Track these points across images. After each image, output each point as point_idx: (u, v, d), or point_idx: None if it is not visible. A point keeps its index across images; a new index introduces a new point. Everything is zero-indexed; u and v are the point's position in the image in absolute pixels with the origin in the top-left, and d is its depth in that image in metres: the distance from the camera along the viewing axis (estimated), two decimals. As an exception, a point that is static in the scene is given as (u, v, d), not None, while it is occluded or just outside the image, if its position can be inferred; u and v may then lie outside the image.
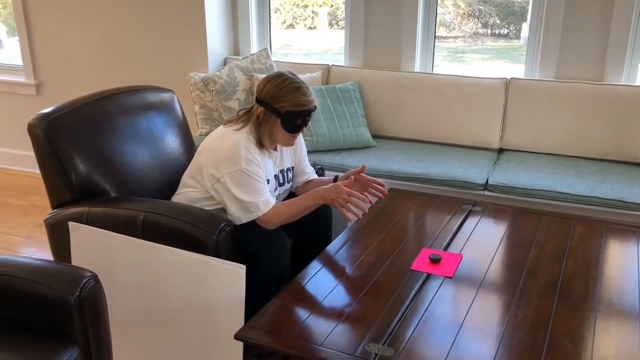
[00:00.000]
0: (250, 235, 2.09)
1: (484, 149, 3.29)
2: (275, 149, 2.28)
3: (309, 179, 2.49)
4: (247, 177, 2.09)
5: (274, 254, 2.10)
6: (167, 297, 2.05)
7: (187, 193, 2.26)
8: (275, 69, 3.42)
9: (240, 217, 2.10)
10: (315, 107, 2.17)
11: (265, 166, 2.19)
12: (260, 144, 2.17)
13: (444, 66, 3.78)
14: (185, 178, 2.30)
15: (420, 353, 1.54)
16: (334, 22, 4.20)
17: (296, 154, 2.42)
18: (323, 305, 1.75)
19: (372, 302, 1.76)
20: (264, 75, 2.43)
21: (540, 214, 2.40)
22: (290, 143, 2.24)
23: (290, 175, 2.40)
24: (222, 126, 2.25)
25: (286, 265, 2.14)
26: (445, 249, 2.11)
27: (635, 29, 3.08)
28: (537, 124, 3.19)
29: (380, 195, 2.30)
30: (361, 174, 2.30)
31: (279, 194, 2.34)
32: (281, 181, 2.33)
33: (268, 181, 2.20)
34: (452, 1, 3.88)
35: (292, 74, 2.18)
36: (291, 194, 2.43)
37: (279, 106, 2.11)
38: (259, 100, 2.16)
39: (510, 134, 3.26)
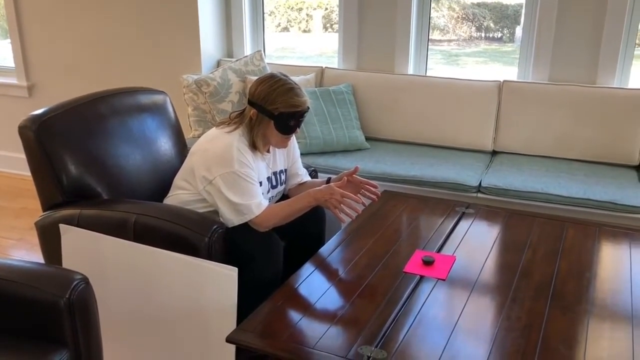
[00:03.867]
0: (242, 237, 2.08)
1: (477, 152, 3.29)
2: (268, 151, 2.27)
3: (302, 181, 2.48)
4: (239, 179, 2.08)
5: (266, 256, 2.09)
6: (159, 299, 2.04)
7: (179, 195, 2.24)
8: (269, 71, 3.42)
9: (232, 219, 2.09)
10: (308, 108, 2.17)
11: (258, 168, 2.18)
12: (253, 146, 2.16)
13: (438, 69, 3.78)
14: (178, 180, 2.29)
15: (413, 355, 1.53)
16: (328, 25, 4.20)
17: (289, 156, 2.41)
18: (316, 308, 1.75)
19: (365, 305, 1.75)
20: (257, 77, 2.42)
21: (533, 216, 2.40)
22: (283, 145, 2.24)
23: (283, 177, 2.39)
24: (214, 128, 2.25)
25: (279, 268, 2.13)
26: (439, 251, 2.10)
27: (627, 32, 3.09)
28: (530, 127, 3.19)
29: (373, 197, 2.30)
30: (354, 175, 2.29)
31: (272, 197, 2.33)
32: (274, 183, 2.32)
33: (261, 183, 2.19)
34: (446, 5, 3.89)
35: (284, 75, 2.17)
36: (284, 197, 2.43)
37: (272, 108, 2.10)
38: (251, 102, 2.15)
39: (504, 137, 3.26)
